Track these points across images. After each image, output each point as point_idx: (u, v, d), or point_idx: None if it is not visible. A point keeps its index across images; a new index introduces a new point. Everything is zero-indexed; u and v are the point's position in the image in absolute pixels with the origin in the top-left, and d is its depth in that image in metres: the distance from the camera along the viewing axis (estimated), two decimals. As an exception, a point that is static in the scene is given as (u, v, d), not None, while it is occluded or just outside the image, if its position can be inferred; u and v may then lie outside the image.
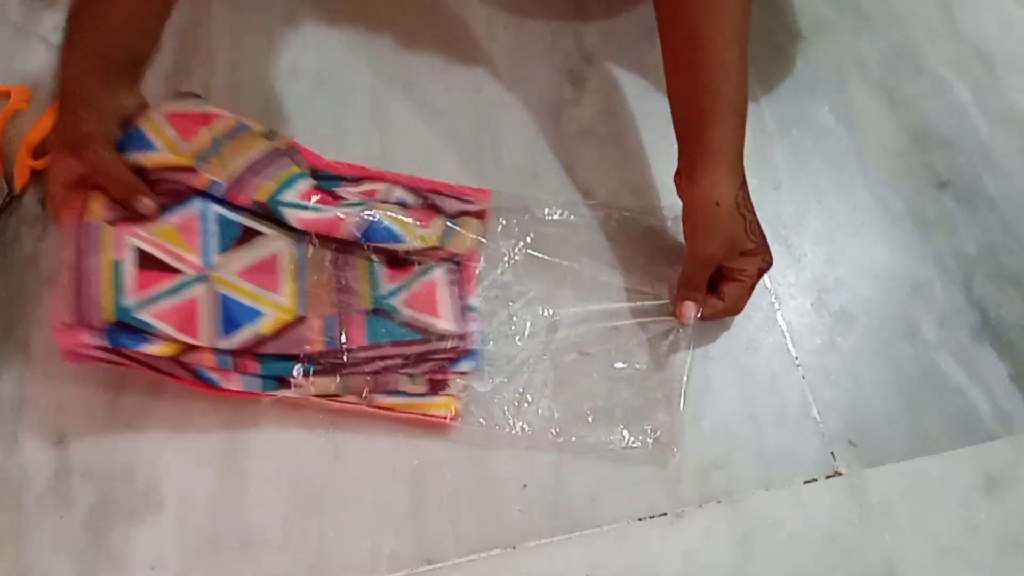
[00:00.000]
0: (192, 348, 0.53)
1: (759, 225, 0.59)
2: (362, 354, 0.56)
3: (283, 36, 0.76)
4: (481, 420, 0.58)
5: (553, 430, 0.58)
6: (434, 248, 0.60)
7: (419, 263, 0.61)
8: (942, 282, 0.67)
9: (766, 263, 0.60)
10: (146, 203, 0.55)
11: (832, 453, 0.59)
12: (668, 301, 0.63)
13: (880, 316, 0.65)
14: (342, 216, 0.58)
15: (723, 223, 0.57)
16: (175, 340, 0.52)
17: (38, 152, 0.68)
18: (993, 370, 0.63)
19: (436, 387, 0.58)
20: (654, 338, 0.62)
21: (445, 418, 0.57)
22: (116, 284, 0.52)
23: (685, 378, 0.61)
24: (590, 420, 0.59)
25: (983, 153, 0.73)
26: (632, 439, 0.58)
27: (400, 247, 0.60)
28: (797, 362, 0.63)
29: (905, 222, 0.69)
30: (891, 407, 0.61)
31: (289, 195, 0.58)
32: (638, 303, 0.63)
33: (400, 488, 0.57)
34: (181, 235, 0.55)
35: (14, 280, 0.63)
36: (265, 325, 0.54)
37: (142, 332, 0.52)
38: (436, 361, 0.58)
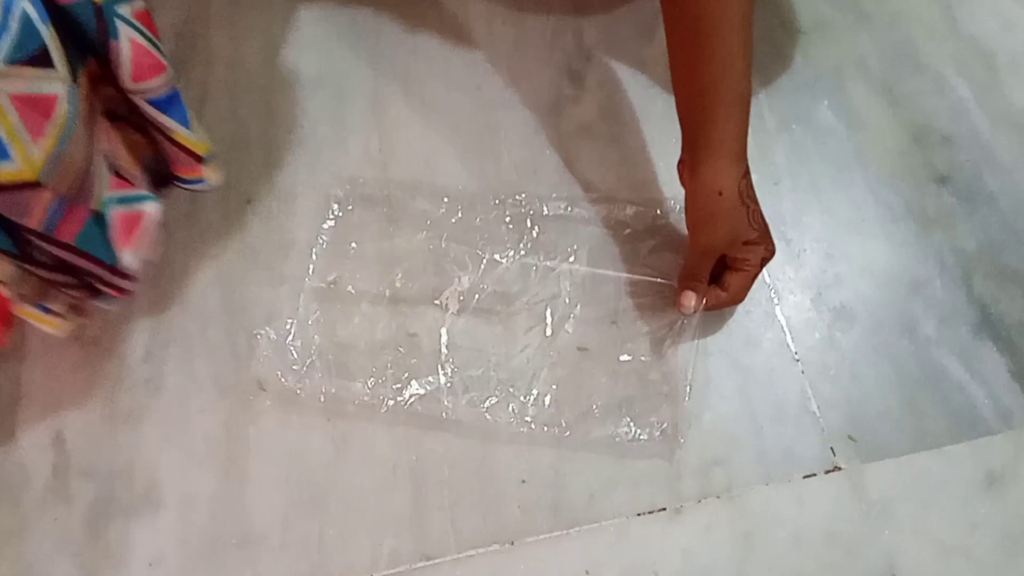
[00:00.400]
0: None
1: (762, 214, 0.59)
2: (62, 253, 0.50)
3: (282, 34, 0.76)
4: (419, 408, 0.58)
5: (559, 424, 0.58)
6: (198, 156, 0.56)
7: (132, 182, 0.56)
8: (942, 279, 0.67)
9: (769, 252, 0.59)
10: None
11: (832, 448, 0.59)
12: (671, 292, 0.63)
13: (880, 312, 0.65)
14: (166, 64, 0.52)
15: (726, 212, 0.57)
16: None
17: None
18: (993, 366, 0.63)
19: (75, 311, 0.56)
20: (657, 330, 0.62)
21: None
22: None
23: (691, 370, 0.60)
24: (596, 414, 0.59)
25: (983, 150, 0.73)
26: (639, 432, 0.58)
27: (181, 133, 0.55)
28: (797, 358, 0.63)
29: (905, 219, 0.69)
30: (891, 403, 0.61)
31: (124, 8, 0.50)
32: (640, 297, 0.63)
33: (400, 485, 0.57)
34: None
35: (12, 277, 0.63)
36: (5, 172, 0.45)
37: None
38: (92, 289, 0.55)
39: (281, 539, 0.55)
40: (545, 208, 0.66)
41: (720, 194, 0.56)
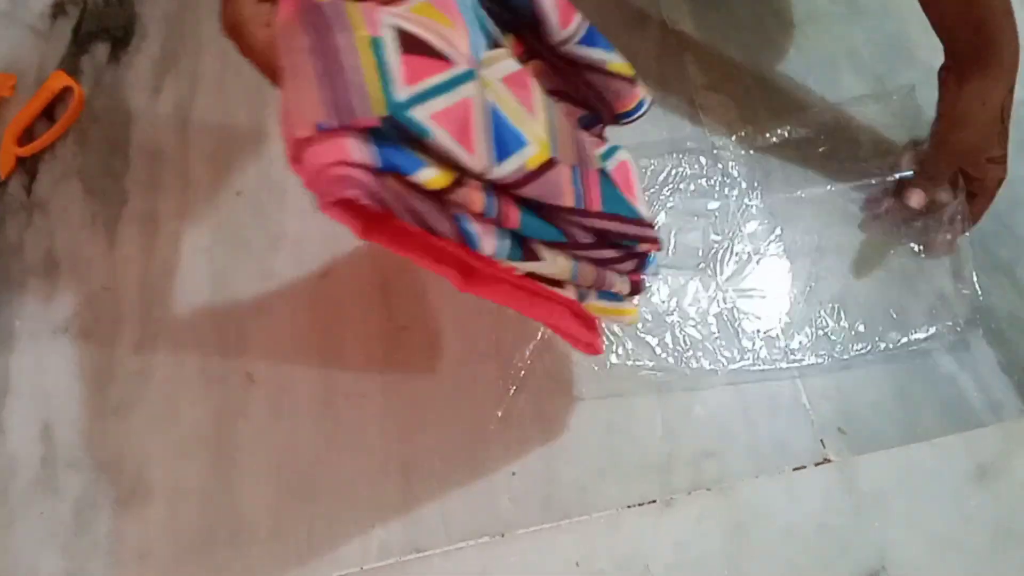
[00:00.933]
0: (460, 183, 0.39)
1: (1008, 138, 0.61)
2: (598, 224, 0.45)
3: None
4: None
5: (870, 338, 0.63)
6: (631, 80, 0.52)
7: (601, 132, 0.55)
8: (934, 271, 0.67)
9: (1004, 175, 0.62)
10: None
11: (822, 441, 0.59)
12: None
13: (871, 304, 0.65)
14: (571, 6, 0.48)
15: (983, 123, 0.59)
16: (448, 161, 0.38)
17: (23, 140, 0.68)
18: (984, 358, 0.63)
19: (634, 288, 0.52)
20: (921, 227, 0.65)
21: (593, 344, 0.53)
22: (380, 69, 0.36)
23: (970, 263, 0.64)
24: (894, 317, 0.63)
25: (975, 142, 0.73)
26: (937, 329, 0.62)
27: (614, 61, 0.50)
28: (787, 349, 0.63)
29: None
30: (881, 395, 0.61)
31: None
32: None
33: (390, 477, 0.57)
34: (440, 10, 0.40)
35: (-1, 269, 0.63)
36: (530, 158, 0.41)
37: (411, 151, 0.37)
38: (638, 257, 0.50)
39: (271, 531, 0.55)
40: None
41: (983, 104, 0.58)
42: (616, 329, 0.62)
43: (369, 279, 0.63)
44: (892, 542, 0.56)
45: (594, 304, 0.50)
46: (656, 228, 0.51)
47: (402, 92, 0.35)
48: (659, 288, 0.63)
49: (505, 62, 0.43)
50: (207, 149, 0.67)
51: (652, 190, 0.67)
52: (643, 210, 0.48)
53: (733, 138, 0.69)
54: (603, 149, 0.52)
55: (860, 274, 0.65)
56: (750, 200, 0.67)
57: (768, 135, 0.69)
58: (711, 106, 0.72)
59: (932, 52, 0.67)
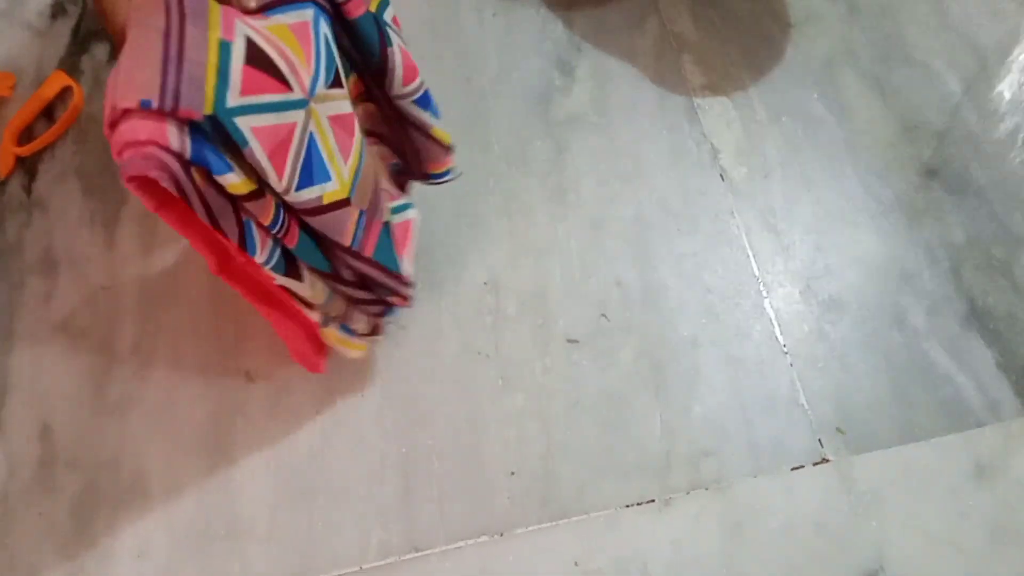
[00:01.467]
0: (259, 194, 0.42)
1: None
2: (364, 268, 0.50)
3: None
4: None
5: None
6: (447, 148, 0.56)
7: (404, 187, 0.58)
8: (931, 271, 0.67)
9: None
10: None
11: (820, 440, 0.59)
12: None
13: (869, 304, 0.65)
14: (416, 67, 0.51)
15: None
16: (255, 172, 0.41)
17: (22, 139, 0.68)
18: (981, 358, 0.63)
19: (373, 330, 0.57)
20: None
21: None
22: (220, 72, 0.38)
23: None
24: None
25: (972, 143, 0.73)
26: None
27: (437, 127, 0.54)
28: (785, 350, 0.63)
29: (894, 211, 0.69)
30: (879, 395, 0.61)
31: (388, 15, 0.51)
32: None
33: (388, 476, 0.57)
34: (297, 39, 0.42)
35: (-2, 268, 0.63)
36: (328, 193, 0.45)
37: (223, 154, 0.39)
38: (386, 305, 0.55)
39: (269, 530, 0.55)
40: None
41: None
42: None
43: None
44: (890, 541, 0.56)
45: (332, 332, 0.54)
46: (410, 288, 0.54)
47: (233, 99, 0.38)
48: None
49: (339, 102, 0.46)
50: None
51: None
52: (407, 268, 0.54)
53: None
54: (398, 203, 0.56)
55: None
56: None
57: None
58: (709, 106, 0.72)
59: (929, 53, 0.68)
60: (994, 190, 0.71)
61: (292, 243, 0.45)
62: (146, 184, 0.39)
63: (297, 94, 0.42)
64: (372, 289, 0.53)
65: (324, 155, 0.45)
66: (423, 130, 0.54)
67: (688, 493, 0.57)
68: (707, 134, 0.71)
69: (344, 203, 0.46)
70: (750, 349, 0.62)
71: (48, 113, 0.69)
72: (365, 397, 0.59)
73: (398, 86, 0.50)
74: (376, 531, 0.55)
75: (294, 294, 0.49)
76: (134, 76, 0.36)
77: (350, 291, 0.52)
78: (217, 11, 0.39)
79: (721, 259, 0.66)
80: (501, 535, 0.55)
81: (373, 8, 0.49)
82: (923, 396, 0.62)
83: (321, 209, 0.45)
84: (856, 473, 0.58)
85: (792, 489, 0.58)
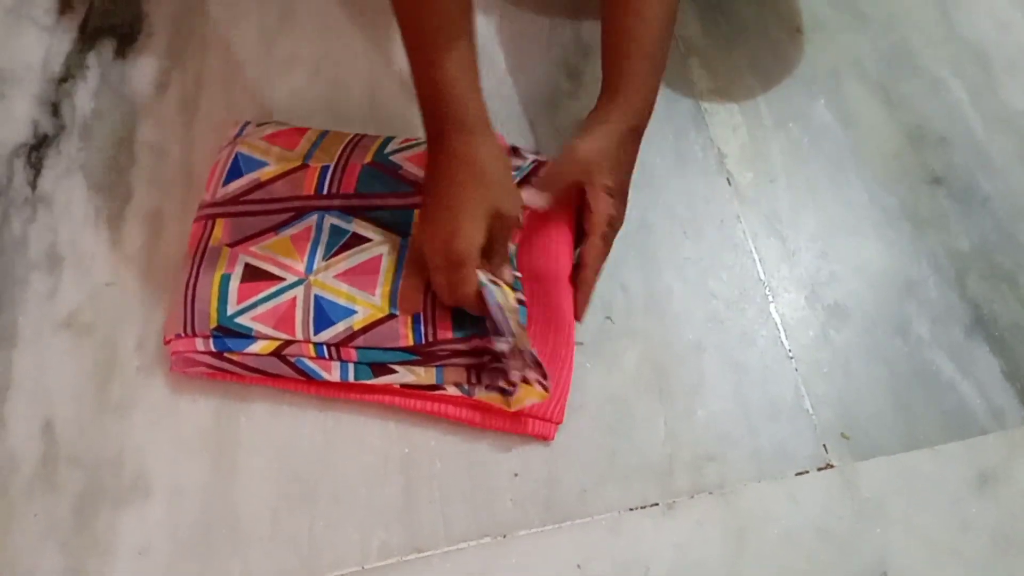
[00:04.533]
0: (289, 343, 0.56)
1: (628, 182, 0.62)
2: (451, 346, 0.56)
3: (278, 24, 0.76)
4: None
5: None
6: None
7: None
8: (936, 279, 0.67)
9: (617, 214, 0.60)
10: None
11: (824, 446, 0.59)
12: None
13: (874, 311, 0.65)
14: None
15: (602, 140, 0.60)
16: (274, 338, 0.56)
17: (29, 135, 0.68)
18: (986, 366, 0.63)
19: (531, 374, 0.57)
20: None
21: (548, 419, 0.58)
22: (220, 296, 0.57)
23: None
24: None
25: (978, 152, 0.73)
26: None
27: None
28: (790, 355, 0.63)
29: (899, 219, 0.69)
30: (884, 401, 0.61)
31: (392, 144, 0.63)
32: None
33: (391, 477, 0.57)
34: (293, 244, 0.59)
35: (2, 263, 0.62)
36: (357, 321, 0.56)
37: (245, 336, 0.56)
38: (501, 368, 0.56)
39: (271, 530, 0.55)
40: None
41: (604, 124, 0.61)
42: None
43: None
44: (893, 548, 0.56)
45: (485, 395, 0.57)
46: (511, 344, 0.55)
47: (232, 308, 0.57)
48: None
49: (349, 260, 0.59)
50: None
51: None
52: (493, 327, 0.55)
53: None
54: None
55: None
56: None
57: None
58: (715, 111, 0.72)
59: (935, 62, 0.68)
60: (999, 199, 0.71)
61: (354, 358, 0.56)
62: (197, 372, 0.58)
63: (291, 279, 0.58)
64: (475, 353, 0.57)
65: (340, 300, 0.57)
66: None
67: (691, 497, 0.57)
68: (713, 139, 0.71)
69: (387, 319, 0.56)
70: (755, 354, 0.62)
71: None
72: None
73: None
74: (378, 532, 0.55)
75: (415, 384, 0.57)
76: (174, 315, 0.58)
77: (452, 361, 0.57)
78: (226, 255, 0.59)
79: (726, 264, 0.66)
80: (504, 537, 0.55)
81: (371, 159, 0.62)
82: (927, 403, 0.62)
83: (356, 334, 0.56)
84: (860, 479, 0.58)
85: (795, 494, 0.58)
